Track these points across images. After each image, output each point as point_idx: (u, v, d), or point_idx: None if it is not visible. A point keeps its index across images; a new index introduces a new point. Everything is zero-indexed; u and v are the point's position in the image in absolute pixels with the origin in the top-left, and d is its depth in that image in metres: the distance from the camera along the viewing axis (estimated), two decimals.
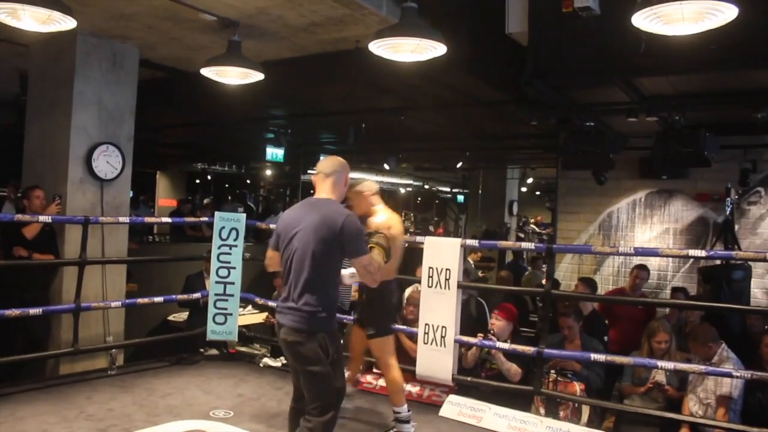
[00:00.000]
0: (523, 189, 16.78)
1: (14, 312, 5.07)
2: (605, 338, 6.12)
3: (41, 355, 5.73)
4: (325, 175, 3.53)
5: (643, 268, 6.94)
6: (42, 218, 5.44)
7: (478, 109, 8.26)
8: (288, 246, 3.39)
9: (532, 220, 17.92)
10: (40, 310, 5.32)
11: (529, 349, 4.95)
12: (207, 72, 5.48)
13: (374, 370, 5.82)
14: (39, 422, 4.42)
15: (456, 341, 5.18)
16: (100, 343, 5.89)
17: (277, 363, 6.16)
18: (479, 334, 5.28)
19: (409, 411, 4.36)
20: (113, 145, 6.24)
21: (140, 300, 6.03)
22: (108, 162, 6.20)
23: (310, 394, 3.33)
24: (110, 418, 4.56)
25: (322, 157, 3.57)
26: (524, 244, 7.27)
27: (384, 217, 4.32)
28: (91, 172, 6.10)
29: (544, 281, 8.31)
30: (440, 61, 4.69)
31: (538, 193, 19.93)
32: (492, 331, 5.31)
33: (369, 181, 4.49)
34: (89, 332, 5.88)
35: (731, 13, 3.46)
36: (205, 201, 17.12)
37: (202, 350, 6.41)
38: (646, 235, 8.74)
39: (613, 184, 8.61)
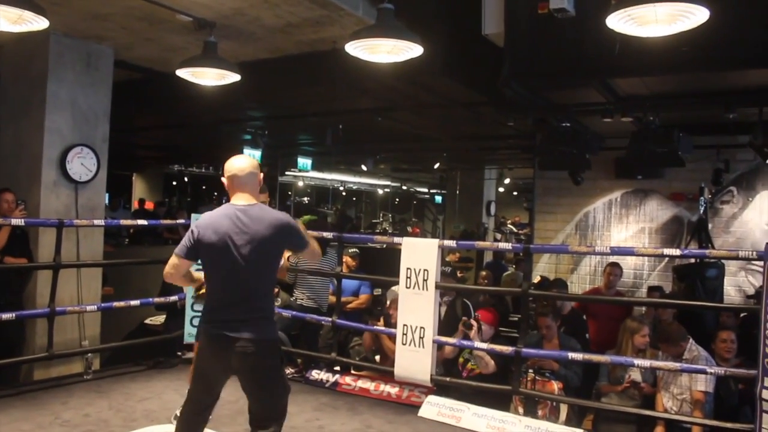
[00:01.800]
0: (501, 189, 16.90)
1: None
2: (587, 336, 6.16)
3: (15, 360, 5.63)
4: (243, 177, 3.34)
5: (615, 265, 7.00)
6: (14, 221, 5.36)
7: (455, 110, 8.29)
8: (231, 255, 3.16)
9: (510, 221, 18.02)
10: (13, 315, 5.25)
11: (507, 349, 4.98)
12: (183, 73, 5.44)
13: (352, 371, 5.83)
14: (13, 429, 4.36)
15: (434, 342, 5.19)
16: (76, 347, 5.83)
17: None
18: (461, 328, 5.30)
19: None
20: (88, 147, 6.17)
21: (116, 303, 5.98)
22: (82, 164, 6.14)
23: (266, 405, 3.25)
24: (86, 423, 4.51)
25: (234, 158, 3.39)
26: (501, 245, 7.33)
27: None
28: (65, 174, 6.03)
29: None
30: (417, 62, 4.71)
31: (515, 193, 20.08)
32: (472, 323, 5.30)
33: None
34: (64, 336, 5.81)
35: (703, 15, 3.51)
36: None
37: (179, 354, 6.35)
38: (622, 235, 8.83)
39: (590, 184, 8.69)
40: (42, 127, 5.93)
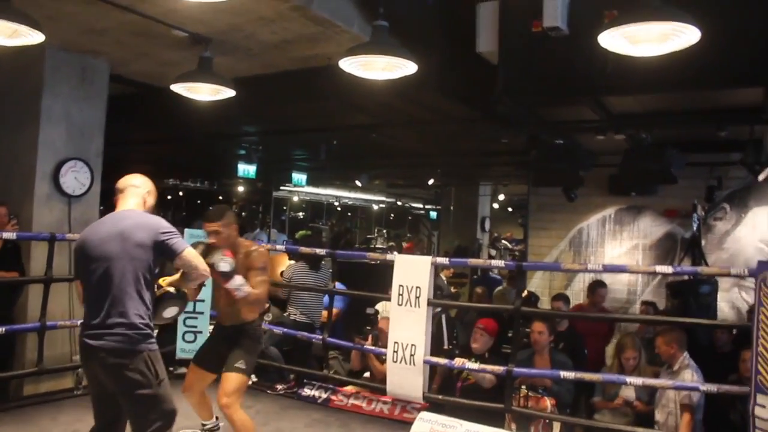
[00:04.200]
0: (495, 205, 16.90)
1: None
2: (585, 352, 6.15)
3: (4, 375, 5.58)
4: (130, 190, 3.35)
5: (600, 284, 7.01)
6: (6, 235, 5.35)
7: (449, 126, 8.33)
8: (94, 263, 3.11)
9: (504, 236, 18.03)
10: (3, 329, 5.21)
11: (499, 369, 4.97)
12: (178, 88, 5.45)
13: (345, 388, 5.80)
14: None
15: (425, 361, 5.17)
16: (67, 362, 5.78)
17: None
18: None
19: None
20: (82, 161, 6.17)
21: None
22: (76, 178, 6.13)
23: (139, 420, 3.10)
24: None
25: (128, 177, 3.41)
26: (494, 262, 7.30)
27: (262, 249, 4.20)
28: (58, 188, 6.02)
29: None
30: (411, 78, 4.73)
31: (510, 209, 20.09)
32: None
33: (230, 210, 4.38)
34: (55, 351, 5.76)
35: (694, 34, 3.55)
36: None
37: (171, 369, 6.30)
38: (616, 251, 8.86)
39: (584, 201, 8.72)
40: (36, 140, 5.92)
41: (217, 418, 4.40)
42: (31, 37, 4.20)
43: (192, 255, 3.23)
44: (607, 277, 7.55)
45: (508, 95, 5.58)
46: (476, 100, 6.55)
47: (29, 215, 5.90)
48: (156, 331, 6.76)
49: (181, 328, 6.03)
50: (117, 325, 3.03)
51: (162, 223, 3.21)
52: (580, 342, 6.27)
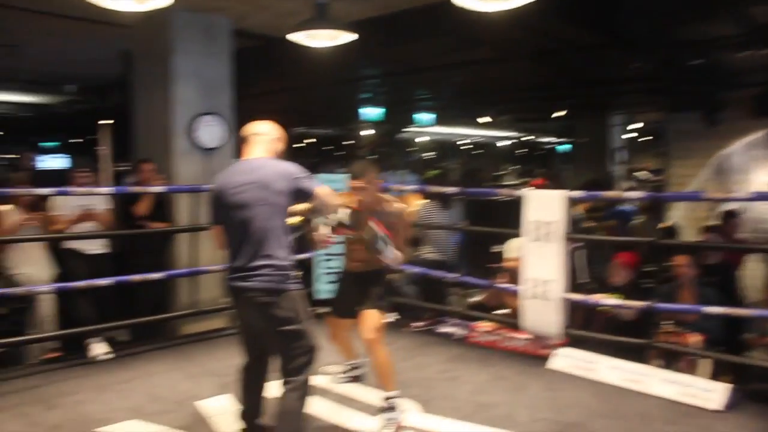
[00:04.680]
0: (629, 135, 16.11)
1: (138, 277, 5.46)
2: (736, 286, 5.81)
3: (165, 316, 6.08)
4: (257, 137, 3.42)
5: (733, 214, 6.54)
6: (154, 189, 5.76)
7: (576, 55, 7.95)
8: (235, 210, 3.24)
9: (640, 167, 17.18)
10: (161, 274, 5.70)
11: (640, 304, 4.80)
12: (296, 37, 5.51)
13: (482, 324, 5.80)
14: (168, 378, 4.80)
15: (562, 296, 5.08)
16: (218, 304, 6.11)
17: (390, 318, 6.26)
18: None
19: (400, 396, 4.00)
20: (214, 115, 6.44)
21: None
22: (210, 132, 6.41)
23: (286, 355, 3.26)
24: (232, 374, 4.73)
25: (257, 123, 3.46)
26: (630, 194, 6.97)
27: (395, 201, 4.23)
28: (195, 142, 6.34)
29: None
30: (533, 7, 4.52)
31: (645, 138, 19.08)
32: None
33: (373, 165, 4.30)
34: (207, 294, 6.15)
35: None
36: None
37: (311, 309, 6.59)
38: (765, 178, 8.20)
39: (726, 125, 8.12)
40: (171, 99, 6.25)
41: (359, 359, 4.58)
42: (160, 1, 4.38)
43: (324, 193, 3.39)
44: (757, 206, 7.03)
45: (638, 15, 5.21)
46: (604, 25, 6.18)
47: (171, 170, 6.28)
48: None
49: (319, 270, 6.26)
50: (264, 267, 3.18)
51: (295, 169, 3.29)
52: (732, 276, 5.92)
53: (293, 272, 3.28)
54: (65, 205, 5.50)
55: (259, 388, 3.46)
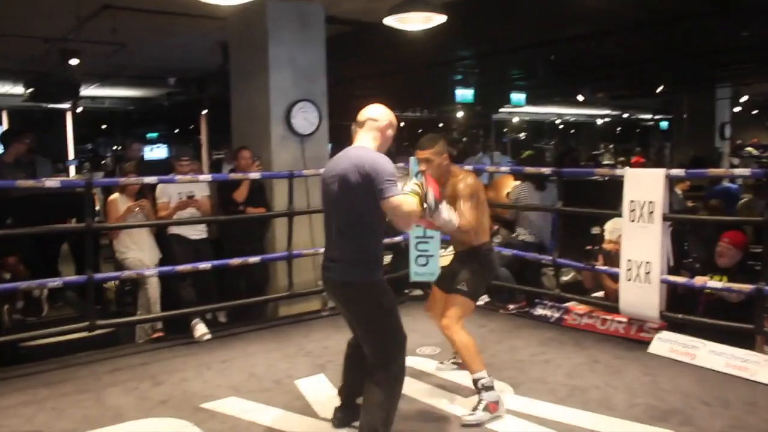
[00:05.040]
0: (737, 109, 15.26)
1: (236, 261, 5.68)
2: None
3: (262, 299, 6.30)
4: (368, 123, 3.31)
5: None
6: (252, 175, 5.95)
7: (677, 26, 7.59)
8: (325, 200, 3.29)
9: (749, 143, 16.27)
10: (258, 258, 5.92)
11: (748, 287, 4.57)
12: (390, 21, 5.51)
13: (578, 307, 5.69)
14: (266, 358, 4.97)
15: (662, 281, 4.91)
16: (312, 287, 6.25)
17: (479, 302, 6.24)
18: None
19: (490, 376, 3.85)
20: (309, 101, 6.55)
21: None
22: (305, 118, 6.53)
23: (368, 347, 3.22)
24: (326, 354, 4.94)
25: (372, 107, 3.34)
26: (738, 171, 6.62)
27: (470, 179, 4.01)
28: (290, 129, 6.47)
29: None
30: None
31: (755, 112, 18.02)
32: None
33: (443, 140, 4.14)
34: (302, 277, 6.30)
35: None
36: None
37: (406, 291, 6.68)
38: None
39: None
40: (267, 87, 6.39)
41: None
42: None
43: (395, 204, 3.04)
44: None
45: None
46: None
47: (268, 156, 6.45)
48: (391, 256, 7.17)
49: (413, 253, 6.26)
50: (340, 260, 3.20)
51: (378, 166, 3.07)
52: None
53: (374, 266, 3.21)
54: (169, 192, 5.77)
55: (360, 366, 3.36)
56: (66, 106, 14.07)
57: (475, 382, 3.81)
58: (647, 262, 4.96)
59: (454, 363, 4.57)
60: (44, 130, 12.88)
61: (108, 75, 12.07)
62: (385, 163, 3.09)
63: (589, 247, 5.78)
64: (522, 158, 8.76)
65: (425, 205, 3.28)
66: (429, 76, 12.63)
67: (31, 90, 9.43)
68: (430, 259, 6.25)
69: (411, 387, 4.20)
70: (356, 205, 3.14)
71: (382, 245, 3.34)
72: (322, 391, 4.22)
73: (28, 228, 5.58)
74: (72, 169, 14.11)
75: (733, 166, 12.77)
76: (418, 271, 6.28)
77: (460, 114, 19.11)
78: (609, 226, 5.69)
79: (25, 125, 12.79)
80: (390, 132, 3.35)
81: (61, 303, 6.79)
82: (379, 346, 3.19)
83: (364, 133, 3.31)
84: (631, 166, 13.57)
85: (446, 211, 3.56)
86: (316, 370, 4.62)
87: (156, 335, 5.57)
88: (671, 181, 5.15)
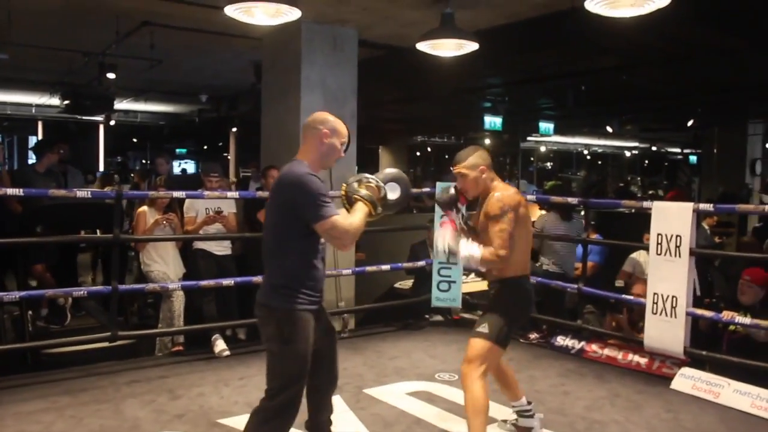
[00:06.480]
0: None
1: (259, 279, 5.64)
2: None
3: None
4: (305, 131, 3.07)
5: None
6: None
7: (709, 60, 7.56)
8: (266, 217, 3.11)
9: None
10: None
11: None
12: (423, 46, 5.56)
13: (599, 340, 5.64)
14: None
15: (688, 314, 4.85)
16: (334, 308, 6.24)
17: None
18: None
19: None
20: None
21: (368, 268, 6.38)
22: None
23: (267, 372, 2.97)
24: (344, 376, 4.89)
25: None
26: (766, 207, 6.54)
27: (504, 193, 3.41)
28: None
29: None
30: (664, 11, 4.35)
31: None
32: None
33: (482, 151, 3.61)
34: (324, 298, 6.29)
35: None
36: None
37: (427, 316, 6.64)
38: None
39: None
40: (298, 107, 6.45)
41: (529, 402, 3.87)
42: (289, 14, 4.62)
43: (328, 226, 2.83)
44: None
45: None
46: (741, 25, 5.85)
47: None
48: (412, 281, 7.09)
49: (435, 278, 6.27)
50: (266, 282, 3.03)
51: (304, 188, 2.85)
52: None
53: (296, 294, 2.91)
54: (196, 207, 5.82)
55: (317, 391, 3.28)
56: (99, 118, 14.35)
57: None
58: (673, 296, 4.90)
59: (512, 425, 3.92)
60: (77, 142, 13.15)
61: (142, 90, 12.33)
62: (310, 183, 2.84)
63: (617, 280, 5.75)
64: (547, 188, 8.74)
65: (379, 210, 3.01)
66: (458, 102, 12.67)
67: (67, 102, 9.65)
68: (452, 285, 6.24)
69: (425, 411, 4.22)
70: (282, 227, 2.93)
71: (317, 272, 3.01)
72: (338, 413, 4.19)
73: (55, 236, 5.66)
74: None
75: (762, 203, 12.59)
76: (439, 297, 6.28)
77: (487, 141, 19.13)
78: (637, 258, 5.64)
79: (59, 136, 13.06)
80: (334, 141, 3.06)
81: (83, 312, 6.87)
82: (271, 375, 2.95)
83: (303, 144, 3.07)
84: (667, 199, 13.46)
85: (465, 248, 3.28)
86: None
87: (176, 349, 5.59)
88: (699, 216, 5.10)
